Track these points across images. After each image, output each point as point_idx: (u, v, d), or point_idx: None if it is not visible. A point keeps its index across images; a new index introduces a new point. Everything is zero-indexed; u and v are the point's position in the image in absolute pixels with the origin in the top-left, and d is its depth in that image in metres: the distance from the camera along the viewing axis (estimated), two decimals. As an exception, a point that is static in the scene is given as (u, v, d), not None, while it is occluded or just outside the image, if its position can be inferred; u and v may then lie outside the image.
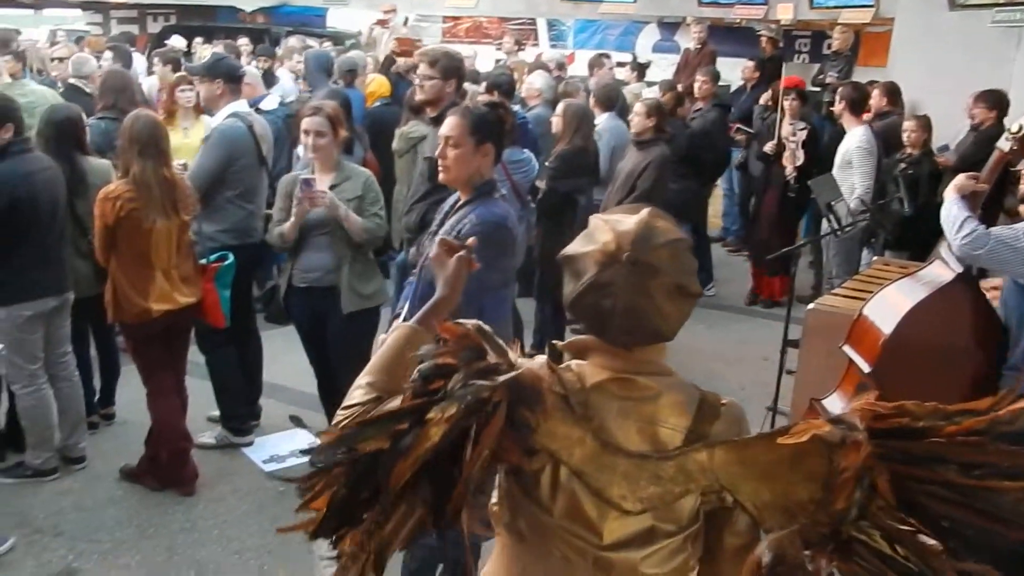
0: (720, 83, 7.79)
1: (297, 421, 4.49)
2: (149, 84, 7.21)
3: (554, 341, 1.59)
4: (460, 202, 3.06)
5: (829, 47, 8.54)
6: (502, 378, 1.37)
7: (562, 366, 1.53)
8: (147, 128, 3.64)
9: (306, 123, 3.79)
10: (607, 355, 1.51)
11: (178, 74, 5.46)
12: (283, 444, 4.46)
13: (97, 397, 4.58)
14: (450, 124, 2.95)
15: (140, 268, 3.71)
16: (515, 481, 1.53)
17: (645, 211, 1.52)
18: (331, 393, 4.21)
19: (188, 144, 4.90)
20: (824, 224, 5.26)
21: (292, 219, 3.80)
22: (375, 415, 1.39)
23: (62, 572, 3.43)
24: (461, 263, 1.86)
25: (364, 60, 7.29)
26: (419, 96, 4.28)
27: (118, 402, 4.65)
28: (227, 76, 4.37)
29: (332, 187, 3.83)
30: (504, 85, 5.64)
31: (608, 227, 1.49)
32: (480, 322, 1.46)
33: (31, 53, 7.96)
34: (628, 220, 1.49)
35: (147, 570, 3.46)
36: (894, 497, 1.39)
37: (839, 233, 4.91)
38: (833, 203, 4.83)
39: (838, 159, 5.82)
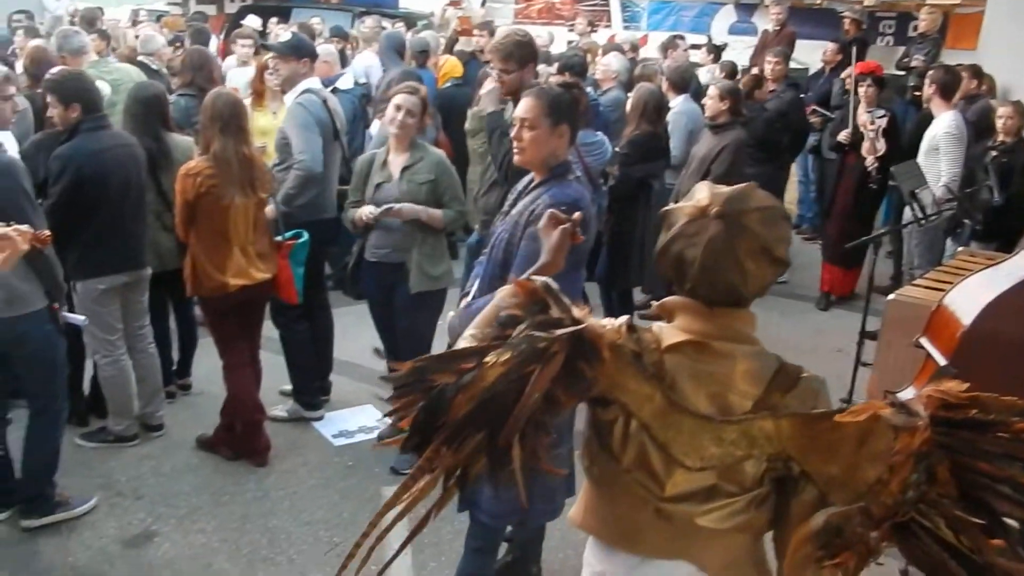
0: (798, 66, 7.58)
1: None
2: (225, 65, 7.35)
3: (653, 302, 1.69)
4: (534, 183, 3.04)
5: (915, 29, 8.26)
6: (560, 331, 1.46)
7: (644, 327, 1.62)
8: (228, 106, 3.71)
9: (401, 99, 3.83)
10: (690, 317, 1.59)
11: (268, 56, 5.52)
12: (352, 420, 4.54)
13: (175, 368, 4.72)
14: (525, 105, 2.92)
15: (218, 244, 3.80)
16: (593, 431, 1.66)
17: (748, 183, 1.61)
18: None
19: (276, 126, 4.96)
20: (907, 212, 5.09)
21: (364, 216, 3.86)
22: (447, 353, 1.53)
23: (141, 534, 3.56)
24: (564, 234, 1.97)
25: (436, 41, 7.30)
26: (504, 93, 4.26)
27: (195, 373, 4.79)
28: (312, 55, 4.43)
29: (406, 168, 3.87)
30: (576, 67, 5.58)
31: (708, 188, 1.58)
32: (549, 280, 1.55)
33: (114, 32, 8.18)
34: (729, 186, 1.60)
35: (222, 536, 3.56)
36: (956, 488, 1.40)
37: (923, 222, 4.74)
38: (917, 191, 4.67)
39: (924, 145, 5.60)
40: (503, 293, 1.73)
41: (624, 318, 1.62)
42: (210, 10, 13.41)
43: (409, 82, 4.17)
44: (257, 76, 5.36)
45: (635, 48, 8.43)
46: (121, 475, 3.96)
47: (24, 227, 2.32)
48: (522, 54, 4.09)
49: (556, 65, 5.73)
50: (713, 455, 1.52)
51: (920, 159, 5.43)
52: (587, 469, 1.72)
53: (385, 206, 3.80)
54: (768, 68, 6.88)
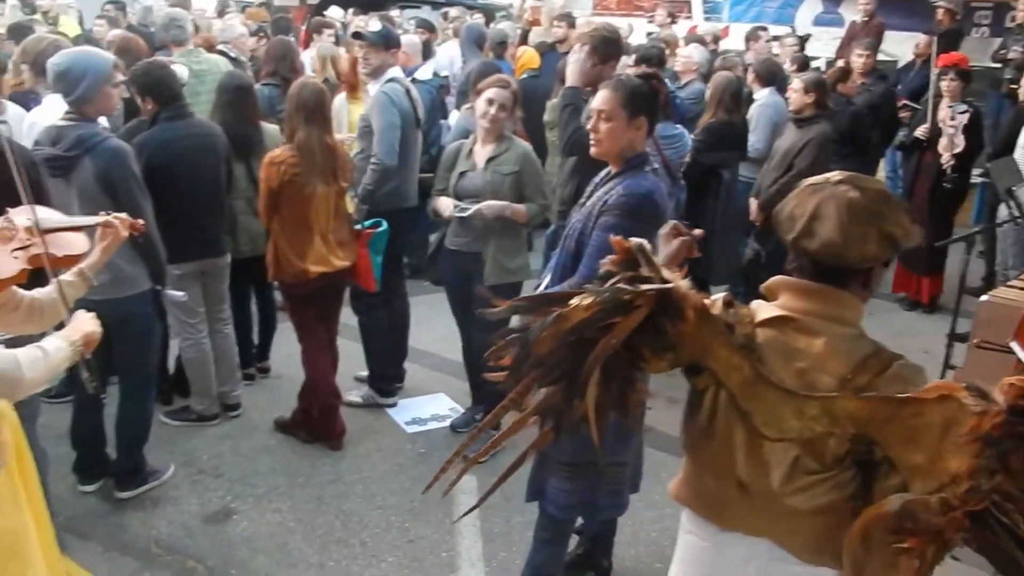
0: (886, 58, 7.32)
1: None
2: (305, 55, 7.47)
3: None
4: (610, 174, 3.02)
5: (1013, 20, 7.87)
6: (645, 287, 1.53)
7: (741, 304, 1.72)
8: (314, 96, 3.77)
9: (493, 93, 3.85)
10: (793, 295, 1.68)
11: (357, 46, 5.53)
12: (425, 407, 4.58)
13: (254, 351, 4.84)
14: (602, 97, 2.90)
15: (300, 231, 3.87)
16: (688, 402, 1.78)
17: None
18: (473, 357, 4.29)
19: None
20: (1002, 210, 4.88)
21: (444, 211, 3.91)
22: (539, 295, 1.72)
23: (221, 511, 3.66)
24: (683, 246, 2.01)
25: (515, 32, 7.29)
26: (584, 83, 4.23)
27: (273, 357, 4.90)
28: (398, 45, 4.50)
29: (491, 159, 3.90)
30: (654, 59, 5.51)
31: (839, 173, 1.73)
32: (643, 241, 1.62)
33: (201, 22, 8.41)
34: None
35: (297, 516, 3.63)
36: None
37: (1020, 221, 4.54)
38: (1015, 188, 4.47)
39: (1021, 140, 5.36)
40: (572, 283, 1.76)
41: (723, 293, 1.72)
42: (292, 1, 13.65)
43: (499, 75, 4.19)
44: (351, 68, 5.35)
45: (717, 40, 8.28)
46: (202, 453, 4.08)
47: (123, 215, 2.41)
48: (606, 50, 4.07)
49: (634, 57, 5.66)
50: (792, 427, 1.55)
51: (1017, 155, 5.19)
52: (682, 441, 1.84)
53: (473, 208, 3.82)
54: (856, 61, 6.67)
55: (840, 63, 6.95)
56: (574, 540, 3.27)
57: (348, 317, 4.46)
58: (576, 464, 2.82)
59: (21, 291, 2.21)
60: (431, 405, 4.61)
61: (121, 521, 3.57)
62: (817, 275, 1.67)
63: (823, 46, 9.81)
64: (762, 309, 1.70)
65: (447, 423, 4.41)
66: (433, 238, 4.31)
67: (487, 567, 3.37)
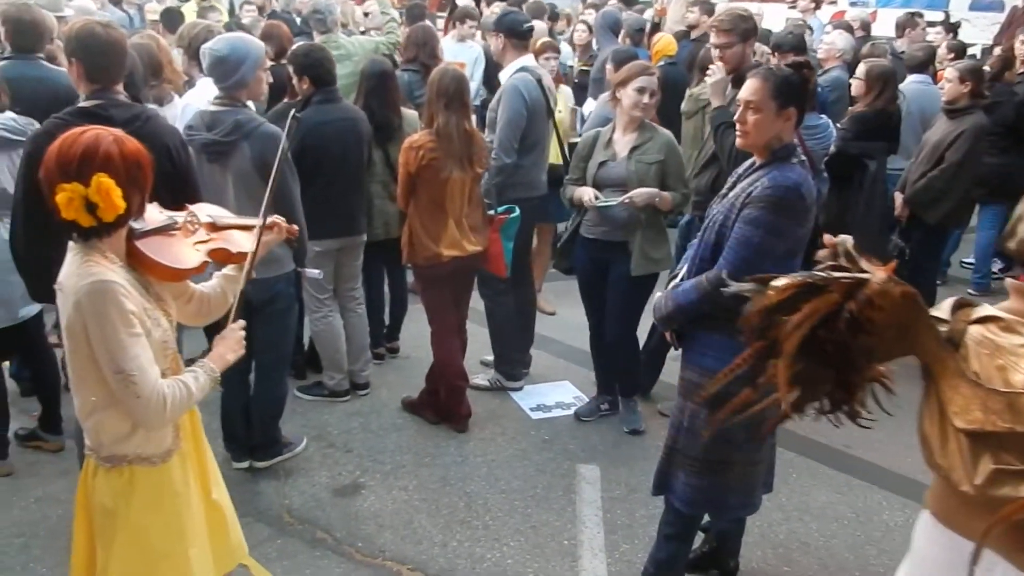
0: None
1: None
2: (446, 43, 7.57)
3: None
4: (754, 165, 2.92)
5: None
6: (839, 275, 1.66)
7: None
8: (455, 82, 3.81)
9: (644, 82, 3.83)
10: (1013, 296, 1.74)
11: (541, 40, 5.52)
12: (550, 394, 4.59)
13: (385, 331, 4.96)
14: (751, 87, 2.81)
15: (435, 215, 3.93)
16: (922, 401, 1.81)
17: None
18: (601, 347, 4.27)
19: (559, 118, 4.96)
20: None
21: (587, 200, 3.87)
22: (759, 276, 1.81)
23: (350, 485, 3.78)
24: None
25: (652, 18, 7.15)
26: (727, 70, 4.13)
27: (403, 337, 5.02)
28: (509, 30, 4.45)
29: (634, 148, 3.87)
30: (790, 45, 5.31)
31: None
32: (848, 238, 1.73)
33: (344, 8, 8.64)
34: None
35: (423, 495, 3.71)
36: None
37: None
38: None
39: None
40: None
41: (953, 299, 1.81)
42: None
43: (641, 62, 4.15)
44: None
45: (866, 27, 7.90)
46: (333, 428, 4.22)
47: (281, 219, 2.51)
48: (744, 28, 3.96)
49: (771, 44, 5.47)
50: (976, 419, 1.61)
51: None
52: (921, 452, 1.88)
53: (622, 197, 3.80)
54: (1020, 48, 6.21)
55: (998, 50, 6.51)
56: (699, 537, 3.20)
57: (476, 301, 4.50)
58: (707, 460, 2.76)
59: (192, 285, 2.33)
60: (556, 392, 4.61)
61: (257, 489, 3.73)
62: None
63: (979, 32, 9.22)
64: (980, 310, 1.76)
65: (571, 411, 4.40)
66: (563, 227, 4.29)
67: (608, 558, 3.34)
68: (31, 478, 3.75)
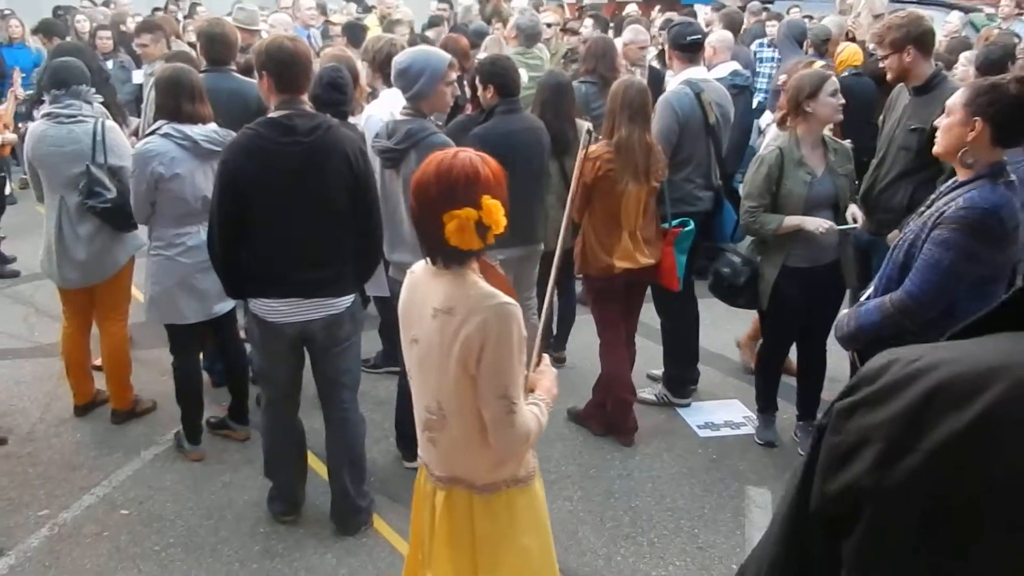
0: None
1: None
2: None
3: None
4: (957, 182, 2.76)
5: None
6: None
7: None
8: (639, 95, 3.80)
9: (832, 83, 3.71)
10: None
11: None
12: (718, 412, 4.48)
13: (552, 340, 4.98)
14: (954, 96, 2.70)
15: (609, 227, 3.93)
16: None
17: None
18: (811, 370, 4.13)
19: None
20: None
21: (823, 230, 3.64)
22: None
23: (516, 491, 3.82)
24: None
25: (840, 27, 6.84)
26: (891, 78, 3.98)
27: (570, 347, 5.03)
28: (672, 42, 4.40)
29: (829, 161, 3.77)
30: (997, 60, 4.92)
31: None
32: None
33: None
34: None
35: (587, 507, 3.71)
36: None
37: None
38: None
39: None
40: None
41: None
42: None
43: (816, 69, 4.00)
44: None
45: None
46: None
47: None
48: (893, 38, 3.87)
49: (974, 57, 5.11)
50: None
51: None
52: None
53: (856, 224, 3.73)
54: None
55: None
56: None
57: (643, 314, 4.46)
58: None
59: None
60: (725, 411, 4.49)
61: (411, 479, 3.82)
62: None
63: None
64: None
65: (740, 431, 4.28)
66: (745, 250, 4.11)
67: (779, 588, 3.21)
68: (220, 464, 4.04)
